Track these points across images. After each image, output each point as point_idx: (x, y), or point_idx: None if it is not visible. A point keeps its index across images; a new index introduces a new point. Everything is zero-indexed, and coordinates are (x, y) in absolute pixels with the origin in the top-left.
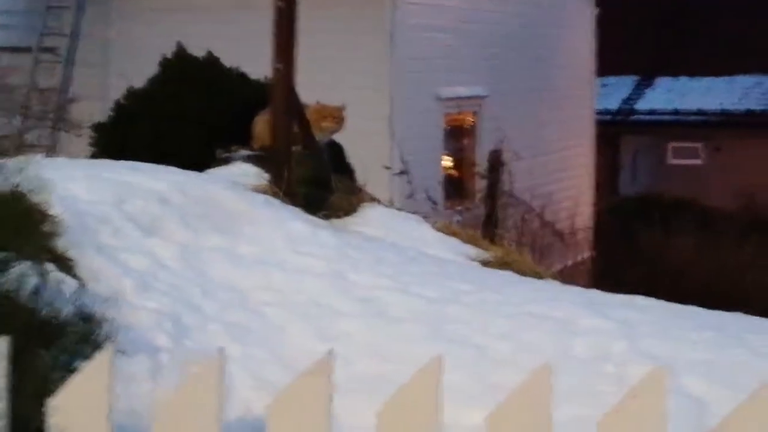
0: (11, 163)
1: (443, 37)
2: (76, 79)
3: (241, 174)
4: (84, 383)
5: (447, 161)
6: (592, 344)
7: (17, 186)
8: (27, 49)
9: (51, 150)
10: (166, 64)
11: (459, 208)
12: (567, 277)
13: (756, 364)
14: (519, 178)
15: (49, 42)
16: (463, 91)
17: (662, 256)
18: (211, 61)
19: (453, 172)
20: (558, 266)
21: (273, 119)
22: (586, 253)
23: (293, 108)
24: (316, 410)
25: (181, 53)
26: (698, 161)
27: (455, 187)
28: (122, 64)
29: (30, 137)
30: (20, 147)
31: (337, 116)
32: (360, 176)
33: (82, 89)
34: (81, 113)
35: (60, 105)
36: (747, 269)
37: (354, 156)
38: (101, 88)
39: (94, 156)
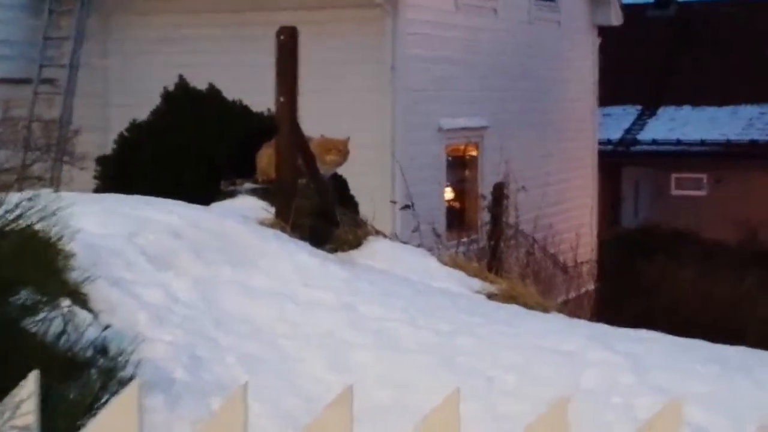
0: (19, 197)
1: (445, 68)
2: (77, 110)
3: (247, 207)
4: (111, 418)
5: (449, 192)
6: (600, 376)
7: (29, 220)
8: (27, 81)
9: (55, 182)
10: (168, 96)
11: (462, 239)
12: (570, 309)
13: (759, 396)
14: (522, 210)
15: (48, 73)
16: (464, 122)
17: (662, 288)
18: (214, 93)
19: (455, 203)
20: (561, 298)
21: (277, 152)
22: (588, 286)
23: (297, 141)
24: None
25: (183, 85)
26: (701, 192)
27: (458, 219)
28: (122, 95)
29: (34, 170)
30: (24, 180)
31: (341, 149)
32: (363, 209)
33: (83, 120)
34: (83, 145)
35: (62, 137)
36: (746, 301)
37: (356, 188)
38: (102, 119)
39: (98, 189)
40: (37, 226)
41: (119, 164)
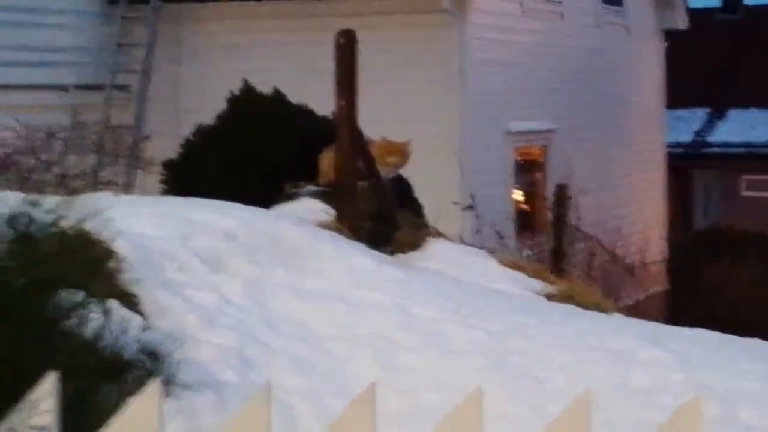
0: (78, 200)
1: (512, 72)
2: (149, 115)
3: (306, 210)
4: (133, 417)
5: (518, 195)
6: (649, 375)
7: (84, 223)
8: (99, 87)
9: (126, 187)
10: (233, 100)
11: (530, 242)
12: (640, 311)
13: None
14: (588, 212)
15: (120, 80)
16: (532, 125)
17: (729, 289)
18: (278, 97)
19: (524, 206)
20: (630, 300)
21: (337, 155)
22: (658, 287)
23: (357, 143)
24: None
25: (248, 90)
26: None
27: (526, 221)
28: (193, 100)
29: (105, 175)
30: (96, 185)
31: (402, 152)
32: (431, 212)
33: (155, 126)
34: (154, 150)
35: (134, 142)
36: None
37: (424, 191)
38: (173, 124)
39: (164, 193)
40: (87, 228)
41: (184, 168)
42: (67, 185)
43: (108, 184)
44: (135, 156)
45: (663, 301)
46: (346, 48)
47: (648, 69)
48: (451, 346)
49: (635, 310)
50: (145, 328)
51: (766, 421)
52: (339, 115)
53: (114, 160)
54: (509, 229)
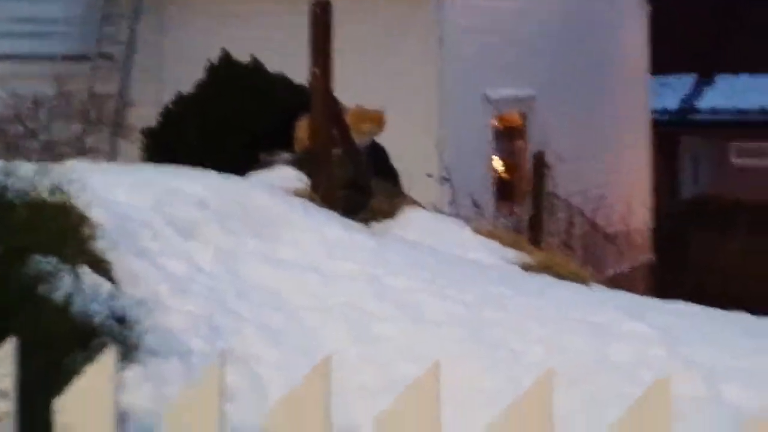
0: (55, 168)
1: (492, 38)
2: (133, 85)
3: (281, 178)
4: (87, 384)
5: (498, 163)
6: (630, 350)
7: (59, 191)
8: (84, 57)
9: (111, 155)
10: (212, 69)
11: (509, 211)
12: (624, 281)
13: None
14: (570, 180)
15: (106, 49)
16: (512, 92)
17: (717, 259)
18: (256, 66)
19: (504, 174)
20: (613, 270)
21: (311, 123)
22: (643, 257)
23: (331, 111)
24: (315, 414)
25: (226, 59)
26: (763, 161)
27: (506, 190)
28: (176, 69)
29: (90, 143)
30: (80, 153)
31: (377, 119)
32: (408, 180)
33: (139, 95)
34: (137, 119)
35: (117, 111)
36: None
37: (402, 159)
38: (156, 93)
39: (144, 160)
40: (63, 195)
41: (163, 136)
42: (52, 153)
43: (92, 152)
44: (118, 124)
45: (648, 272)
46: (322, 16)
47: (631, 34)
48: (426, 316)
49: (618, 281)
50: (116, 295)
51: (752, 400)
52: (313, 83)
53: (98, 128)
54: (488, 198)
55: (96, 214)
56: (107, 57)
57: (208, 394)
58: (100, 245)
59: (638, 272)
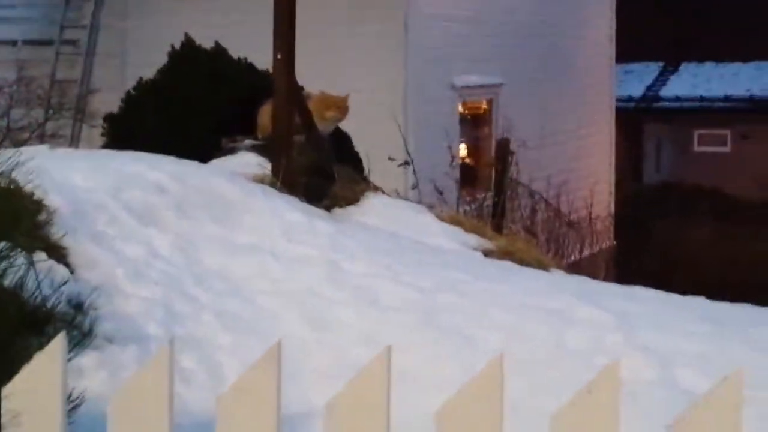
0: (10, 152)
1: (459, 25)
2: (96, 70)
3: (243, 164)
4: (36, 370)
5: (463, 150)
6: (586, 336)
7: (13, 175)
8: (48, 42)
9: (72, 141)
10: (173, 54)
11: (474, 197)
12: (586, 266)
13: (752, 358)
14: (535, 167)
15: (69, 35)
16: (478, 79)
17: (679, 245)
18: (219, 51)
19: (469, 161)
20: (576, 256)
21: (273, 109)
22: (605, 243)
23: (294, 97)
24: (265, 400)
25: (189, 44)
26: (725, 149)
27: (471, 177)
28: (138, 55)
29: (52, 129)
30: (42, 138)
31: (341, 106)
32: (375, 166)
33: (101, 81)
34: (100, 104)
35: (80, 97)
36: (763, 259)
37: (368, 145)
38: (119, 79)
39: (105, 146)
40: (17, 180)
41: (125, 121)
42: (13, 138)
43: (54, 138)
44: (81, 110)
45: (609, 257)
46: (284, 2)
47: (598, 21)
48: (383, 302)
49: (579, 267)
50: (70, 280)
51: (705, 384)
52: (276, 69)
53: (60, 114)
54: (453, 184)
55: (52, 198)
56: (70, 42)
57: (160, 375)
58: (56, 231)
59: (600, 258)
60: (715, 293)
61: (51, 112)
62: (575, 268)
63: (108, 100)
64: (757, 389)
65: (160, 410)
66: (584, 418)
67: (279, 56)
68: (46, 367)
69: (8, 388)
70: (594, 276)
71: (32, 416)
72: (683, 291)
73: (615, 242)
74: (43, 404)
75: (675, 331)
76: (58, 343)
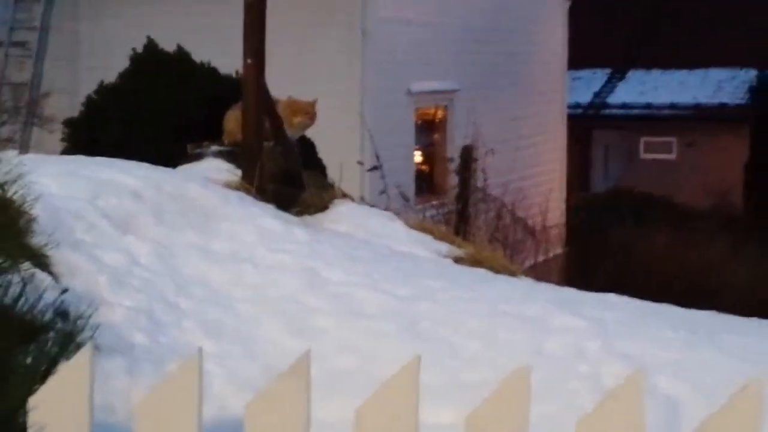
0: None
1: (415, 31)
2: (47, 73)
3: (212, 170)
4: (64, 381)
5: (418, 156)
6: (565, 343)
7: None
8: None
9: (24, 146)
10: (136, 58)
11: (431, 203)
12: (539, 273)
13: (725, 364)
14: (491, 174)
15: (18, 36)
16: (434, 85)
17: (632, 252)
18: (182, 55)
19: (424, 167)
20: (529, 262)
21: (244, 115)
22: (557, 250)
23: (264, 103)
24: (294, 410)
25: (151, 47)
26: (671, 156)
27: (427, 183)
28: (92, 57)
29: (2, 133)
30: None
31: (309, 111)
32: (332, 172)
33: (53, 84)
34: (52, 108)
35: (32, 100)
36: (717, 266)
37: (325, 151)
38: (72, 82)
39: (66, 152)
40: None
41: (87, 126)
42: None
43: (6, 142)
44: (33, 114)
45: (561, 263)
46: (256, 7)
47: (552, 28)
48: (362, 310)
49: (534, 272)
50: (58, 289)
51: (681, 391)
52: (246, 74)
53: (12, 117)
54: (410, 191)
55: (31, 207)
56: (20, 44)
57: (188, 388)
58: (37, 239)
59: (552, 264)
60: (667, 299)
61: (2, 116)
62: (529, 273)
63: (61, 104)
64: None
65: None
66: (609, 424)
67: (249, 61)
68: (73, 377)
69: (34, 400)
70: (549, 281)
71: (59, 428)
72: (641, 297)
73: (566, 249)
74: (71, 415)
75: (651, 338)
76: (86, 353)
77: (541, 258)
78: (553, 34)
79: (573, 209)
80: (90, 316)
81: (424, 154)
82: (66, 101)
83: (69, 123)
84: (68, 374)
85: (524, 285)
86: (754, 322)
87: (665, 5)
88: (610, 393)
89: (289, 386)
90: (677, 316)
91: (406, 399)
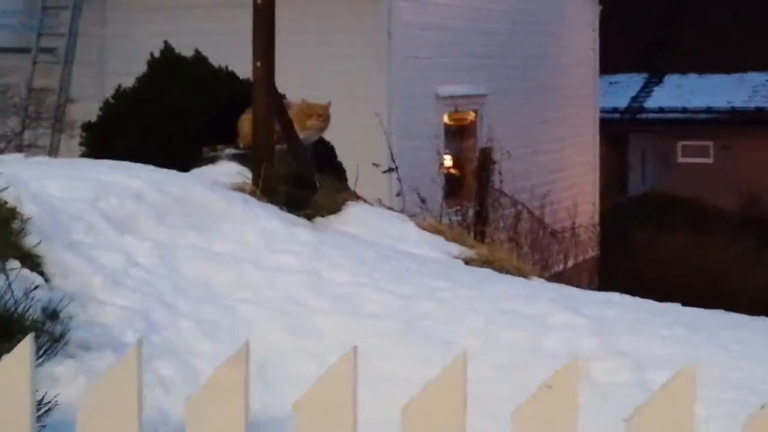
0: None
1: (442, 35)
2: (75, 79)
3: (223, 173)
4: (3, 374)
5: (448, 161)
6: (562, 340)
7: None
8: (25, 50)
9: (51, 151)
10: (153, 62)
11: (458, 207)
12: (570, 276)
13: (721, 360)
14: (519, 177)
15: (47, 42)
16: (462, 89)
17: (659, 255)
18: (199, 59)
19: (454, 171)
20: (561, 266)
21: (253, 117)
22: (589, 253)
23: (274, 106)
24: (233, 402)
25: (168, 52)
26: (708, 160)
27: (455, 187)
28: (118, 63)
29: (30, 139)
30: (19, 147)
31: (322, 114)
32: (360, 175)
33: (80, 89)
34: (79, 114)
35: (58, 106)
36: (738, 267)
37: (352, 154)
38: (98, 88)
39: (84, 156)
40: None
41: (104, 131)
42: None
43: (32, 148)
44: (59, 119)
45: (593, 268)
46: (264, 8)
47: (582, 32)
48: (362, 310)
49: (564, 277)
50: (44, 288)
51: None
52: (256, 77)
53: (38, 123)
54: (437, 195)
55: (27, 207)
56: (48, 50)
57: (127, 382)
58: (31, 239)
59: (584, 268)
60: (697, 302)
61: (28, 121)
62: (559, 278)
63: (87, 110)
64: (725, 390)
65: (130, 411)
66: (545, 413)
67: (258, 64)
68: (13, 370)
69: None
70: (578, 286)
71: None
72: (665, 299)
73: (599, 252)
74: (11, 409)
75: (649, 336)
76: (26, 346)
77: (572, 262)
78: (585, 38)
79: (607, 213)
80: (78, 315)
81: (454, 158)
82: (93, 107)
83: (86, 127)
84: (8, 366)
85: (530, 285)
86: (758, 320)
87: (702, 10)
88: (544, 382)
89: (228, 378)
90: (679, 315)
91: (345, 390)
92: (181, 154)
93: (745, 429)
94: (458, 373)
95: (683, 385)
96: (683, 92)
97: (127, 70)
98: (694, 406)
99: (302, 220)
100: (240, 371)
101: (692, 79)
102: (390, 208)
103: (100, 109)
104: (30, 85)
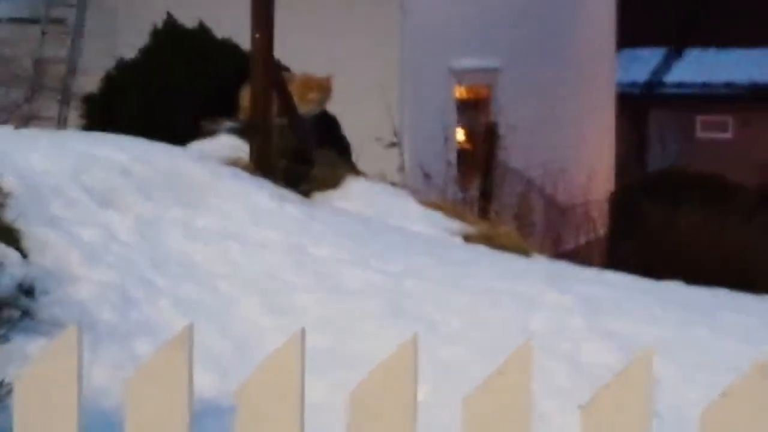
0: None
1: (456, 7)
2: (85, 50)
3: (221, 146)
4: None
5: (461, 135)
6: (549, 320)
7: None
8: (34, 21)
9: (58, 123)
10: (155, 34)
11: (472, 182)
12: (583, 254)
13: (714, 342)
14: (533, 153)
15: (56, 13)
16: (476, 62)
17: (675, 231)
18: (202, 31)
19: (467, 145)
20: (572, 244)
21: (251, 90)
22: (602, 231)
23: (273, 79)
24: (175, 383)
25: (170, 23)
26: (727, 135)
27: (469, 162)
28: (130, 35)
29: (35, 110)
30: (27, 119)
31: (323, 87)
32: (367, 149)
33: (90, 61)
34: (89, 85)
35: (66, 77)
36: (759, 245)
37: (361, 128)
38: (108, 59)
39: (84, 128)
40: None
41: (104, 103)
42: None
43: (38, 119)
44: (67, 91)
45: (605, 245)
46: None
47: (600, 5)
48: (346, 287)
49: (575, 255)
50: (22, 264)
51: (669, 372)
52: (254, 49)
53: (44, 94)
54: (450, 169)
55: (8, 181)
56: (57, 21)
57: (66, 357)
58: (10, 214)
59: (596, 245)
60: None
61: (35, 92)
62: (570, 256)
63: (96, 81)
64: (717, 372)
65: (70, 392)
66: (496, 400)
67: (257, 35)
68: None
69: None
70: (590, 264)
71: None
72: (671, 277)
73: (611, 229)
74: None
75: (638, 316)
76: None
77: (584, 239)
78: (602, 11)
79: (620, 190)
80: (54, 292)
81: (468, 133)
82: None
83: (87, 99)
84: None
85: (524, 262)
86: (758, 300)
87: None
88: (497, 368)
89: (169, 360)
90: (677, 294)
91: (291, 374)
92: (182, 127)
93: (704, 416)
94: (408, 356)
95: (640, 371)
96: (703, 67)
97: (139, 41)
98: (653, 391)
99: (294, 196)
100: (183, 354)
101: (712, 53)
102: (393, 184)
103: (101, 80)
104: (39, 55)
